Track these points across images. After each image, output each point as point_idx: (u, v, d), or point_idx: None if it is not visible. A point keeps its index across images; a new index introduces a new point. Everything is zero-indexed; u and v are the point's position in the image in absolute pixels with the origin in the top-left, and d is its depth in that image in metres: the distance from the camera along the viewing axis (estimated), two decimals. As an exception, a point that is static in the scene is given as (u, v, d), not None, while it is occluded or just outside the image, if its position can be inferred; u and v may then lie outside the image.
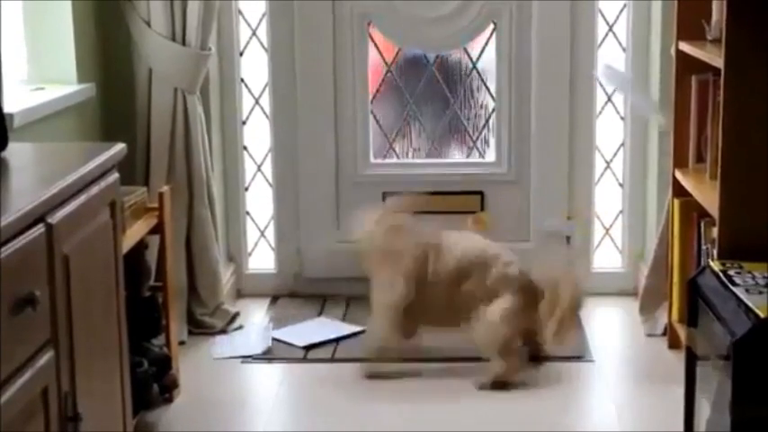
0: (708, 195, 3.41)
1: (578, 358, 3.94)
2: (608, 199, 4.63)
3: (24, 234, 2.05)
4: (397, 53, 4.58)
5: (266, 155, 4.63)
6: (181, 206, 4.06)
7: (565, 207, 4.55)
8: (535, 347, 3.87)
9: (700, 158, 3.77)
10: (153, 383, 3.38)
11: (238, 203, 4.63)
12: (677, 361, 3.54)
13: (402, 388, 3.73)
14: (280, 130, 4.58)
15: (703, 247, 3.63)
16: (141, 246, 3.41)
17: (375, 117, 4.60)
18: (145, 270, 3.47)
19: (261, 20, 4.53)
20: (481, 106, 4.59)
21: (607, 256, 4.66)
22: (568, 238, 4.53)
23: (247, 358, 3.99)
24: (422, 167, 4.63)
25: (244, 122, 4.60)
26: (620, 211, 4.63)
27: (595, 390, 3.76)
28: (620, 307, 4.45)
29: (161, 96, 4.04)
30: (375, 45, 4.54)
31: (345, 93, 4.53)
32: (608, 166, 4.61)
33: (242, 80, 4.57)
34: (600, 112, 4.56)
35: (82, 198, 2.37)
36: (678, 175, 3.84)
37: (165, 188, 3.59)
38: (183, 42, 4.01)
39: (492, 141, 4.60)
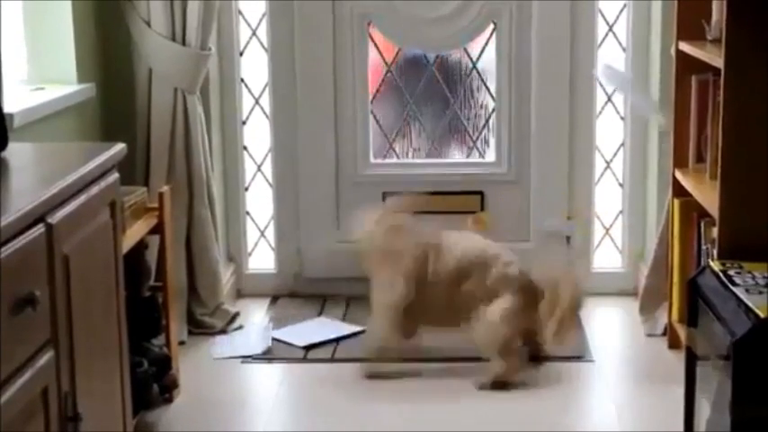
0: (708, 195, 3.41)
1: (578, 358, 3.94)
2: (608, 199, 4.63)
3: (24, 234, 2.05)
4: (397, 53, 4.58)
5: (266, 155, 4.64)
6: (181, 206, 4.06)
7: (565, 207, 4.55)
8: (535, 347, 3.87)
9: (700, 158, 3.77)
10: (153, 383, 3.38)
11: (238, 203, 4.63)
12: (677, 361, 3.54)
13: (402, 388, 3.73)
14: (280, 130, 4.58)
15: (703, 247, 3.63)
16: (141, 246, 3.41)
17: (375, 117, 4.60)
18: (145, 270, 3.47)
19: (261, 20, 4.53)
20: (481, 106, 4.59)
21: (607, 256, 4.66)
22: (568, 238, 4.53)
23: (247, 358, 3.99)
24: (422, 167, 4.63)
25: (244, 122, 4.61)
26: (620, 211, 4.63)
27: (595, 390, 3.76)
28: (620, 307, 4.45)
29: (161, 96, 4.04)
30: (375, 45, 4.54)
31: (345, 93, 4.53)
32: (608, 166, 4.61)
33: (242, 80, 4.57)
34: (600, 112, 4.56)
35: (82, 198, 2.37)
36: (678, 174, 3.84)
37: (165, 188, 3.59)
38: (183, 42, 4.01)
39: (492, 141, 4.60)
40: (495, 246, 3.87)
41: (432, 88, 4.59)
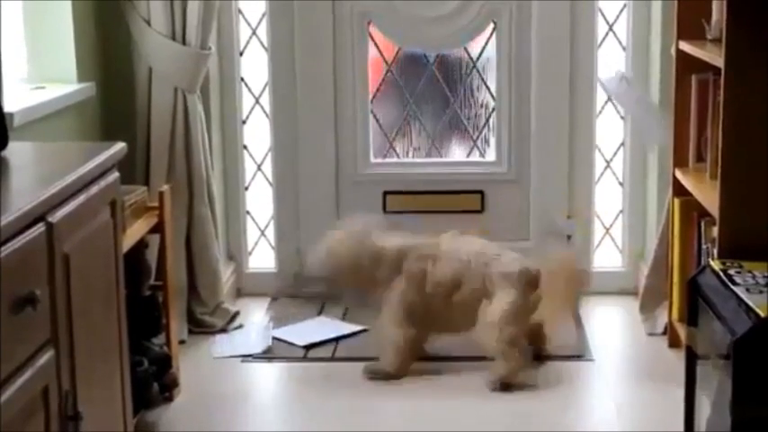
0: (708, 195, 3.41)
1: (578, 357, 3.94)
2: (608, 198, 4.63)
3: (24, 233, 2.05)
4: (397, 52, 4.58)
5: (266, 154, 4.64)
6: (181, 205, 4.06)
7: (565, 206, 4.55)
8: (538, 347, 3.87)
9: (700, 158, 3.77)
10: (153, 382, 3.38)
11: (238, 203, 4.63)
12: (677, 360, 3.54)
13: (403, 387, 3.73)
14: (280, 129, 4.58)
15: (703, 247, 3.63)
16: (141, 245, 3.41)
17: (375, 116, 4.60)
18: (145, 269, 3.47)
19: (261, 19, 4.53)
20: (481, 105, 4.59)
21: (607, 256, 4.66)
22: (569, 238, 4.53)
23: (247, 357, 3.99)
24: (422, 167, 4.63)
25: (244, 122, 4.60)
26: (621, 211, 4.63)
27: (596, 389, 3.76)
28: (621, 306, 4.45)
29: (161, 95, 4.04)
30: (375, 44, 4.54)
31: (345, 92, 4.53)
32: (608, 166, 4.61)
33: (242, 79, 4.57)
34: (600, 112, 4.56)
35: (82, 197, 2.37)
36: (678, 174, 3.84)
37: (165, 187, 3.59)
38: (184, 42, 4.01)
39: (492, 141, 4.60)
40: (494, 246, 3.87)
41: (432, 87, 4.59)
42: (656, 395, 3.61)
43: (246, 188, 4.66)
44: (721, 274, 2.88)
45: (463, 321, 3.75)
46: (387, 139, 4.63)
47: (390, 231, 3.90)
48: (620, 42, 4.50)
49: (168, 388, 3.53)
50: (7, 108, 2.98)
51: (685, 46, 3.72)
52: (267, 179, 4.65)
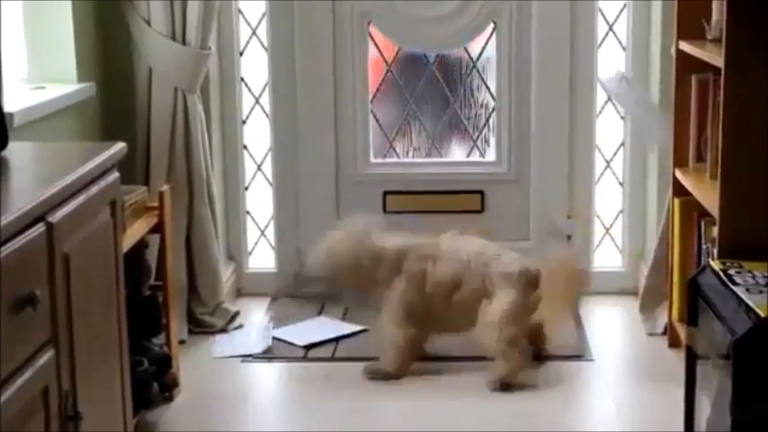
0: (708, 195, 3.41)
1: (578, 357, 3.94)
2: (608, 198, 4.63)
3: (24, 233, 2.05)
4: (397, 52, 4.58)
5: (266, 154, 4.64)
6: (181, 205, 4.06)
7: (565, 206, 4.55)
8: (538, 347, 3.87)
9: (700, 158, 3.77)
10: (153, 382, 3.38)
11: (238, 203, 4.63)
12: (677, 360, 3.54)
13: (403, 387, 3.73)
14: (280, 129, 4.58)
15: (703, 247, 3.63)
16: (141, 245, 3.41)
17: (375, 116, 4.60)
18: (145, 269, 3.47)
19: (261, 19, 4.53)
20: (481, 105, 4.59)
21: (607, 256, 4.66)
22: (569, 238, 4.53)
23: (247, 357, 3.99)
24: (422, 167, 4.63)
25: (244, 122, 4.61)
26: (621, 211, 4.63)
27: (596, 389, 3.76)
28: (621, 306, 4.45)
29: (161, 95, 4.04)
30: (375, 44, 4.54)
31: (345, 92, 4.53)
32: (608, 166, 4.61)
33: (242, 79, 4.57)
34: (600, 112, 4.56)
35: (82, 197, 2.37)
36: (678, 174, 3.84)
37: (165, 187, 3.59)
38: (183, 42, 4.01)
39: (492, 141, 4.60)
40: (494, 246, 3.87)
41: (432, 87, 4.59)
42: (656, 395, 3.61)
43: (246, 188, 4.66)
44: (721, 274, 2.88)
45: (463, 321, 3.75)
46: (387, 139, 4.63)
47: (390, 231, 3.90)
48: (620, 42, 4.50)
49: (168, 388, 3.53)
50: (7, 108, 2.98)
51: (685, 46, 3.72)
52: (267, 179, 4.65)
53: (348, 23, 4.48)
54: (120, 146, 2.68)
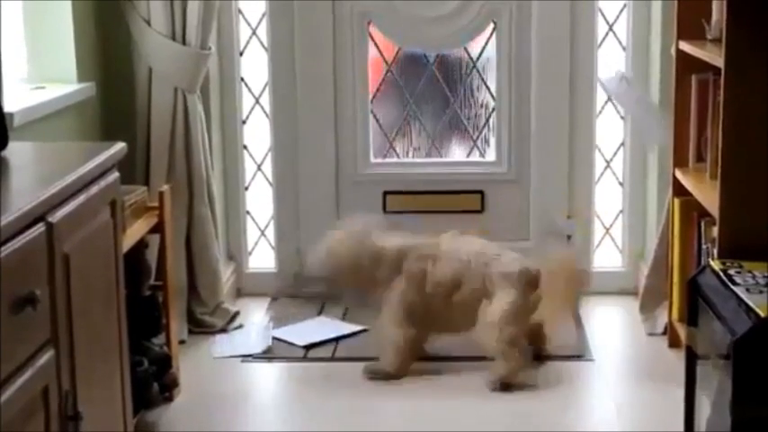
0: (708, 195, 3.41)
1: (578, 357, 3.94)
2: (608, 198, 4.63)
3: (24, 233, 2.05)
4: (397, 52, 4.58)
5: (266, 154, 4.64)
6: (181, 205, 4.06)
7: (565, 206, 4.55)
8: (538, 347, 3.87)
9: (700, 158, 3.77)
10: (153, 382, 3.38)
11: (238, 202, 4.63)
12: (677, 360, 3.54)
13: (403, 387, 3.73)
14: (280, 129, 4.58)
15: (703, 247, 3.63)
16: (141, 245, 3.41)
17: (375, 116, 4.60)
18: (145, 269, 3.47)
19: (261, 19, 4.53)
20: (481, 105, 4.59)
21: (607, 256, 4.66)
22: (569, 238, 4.53)
23: (247, 357, 3.99)
24: (422, 167, 4.63)
25: (244, 122, 4.61)
26: (621, 211, 4.63)
27: (596, 389, 3.76)
28: (621, 306, 4.45)
29: (161, 95, 4.04)
30: (375, 44, 4.54)
31: (345, 92, 4.53)
32: (608, 166, 4.61)
33: (242, 79, 4.57)
34: (600, 112, 4.56)
35: (82, 197, 2.37)
36: (678, 174, 3.84)
37: (166, 187, 3.59)
38: (184, 42, 4.01)
39: (492, 141, 4.60)
40: (494, 246, 3.87)
41: (432, 87, 4.59)
42: (656, 395, 3.61)
43: (246, 188, 4.66)
44: (721, 274, 2.88)
45: (463, 321, 3.75)
46: (387, 139, 4.63)
47: (390, 231, 3.90)
48: (620, 42, 4.50)
49: (168, 388, 3.53)
50: (7, 108, 2.97)
51: (685, 46, 3.72)
52: (267, 179, 4.65)
53: (348, 23, 4.48)
54: (120, 146, 2.68)
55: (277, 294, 4.58)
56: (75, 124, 3.79)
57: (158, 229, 3.50)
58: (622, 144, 4.57)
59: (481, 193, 4.59)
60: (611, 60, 4.48)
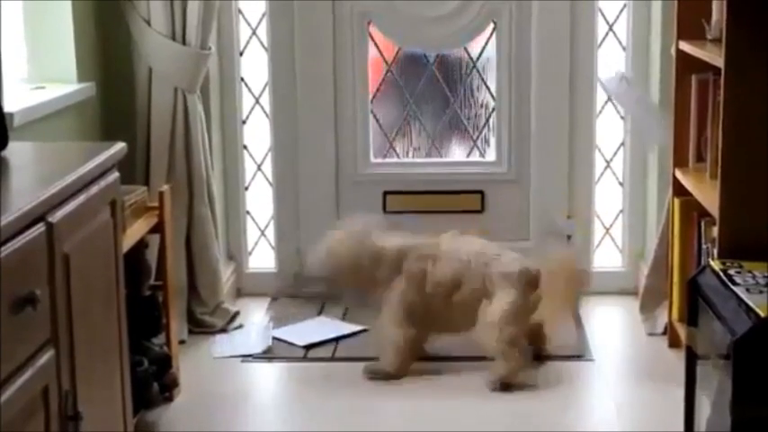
0: (708, 195, 3.41)
1: (578, 357, 3.94)
2: (608, 198, 4.63)
3: (24, 233, 2.05)
4: (398, 52, 4.58)
5: (266, 154, 4.64)
6: (181, 205, 4.06)
7: (565, 206, 4.55)
8: (538, 347, 3.87)
9: (700, 158, 3.77)
10: (153, 382, 3.38)
11: (238, 202, 4.63)
12: (677, 360, 3.54)
13: (403, 387, 3.73)
14: (280, 129, 4.58)
15: (703, 247, 3.63)
16: (141, 245, 3.41)
17: (375, 116, 4.60)
18: (145, 269, 3.47)
19: (261, 19, 4.53)
20: (481, 105, 4.59)
21: (607, 256, 4.66)
22: (569, 238, 4.53)
23: (247, 357, 3.99)
24: (422, 167, 4.63)
25: (244, 122, 4.61)
26: (621, 211, 4.63)
27: (596, 389, 3.76)
28: (621, 306, 4.45)
29: (161, 95, 4.04)
30: (375, 44, 4.54)
31: (345, 92, 4.53)
32: (608, 166, 4.61)
33: (242, 79, 4.57)
34: (600, 112, 4.56)
35: (82, 197, 2.37)
36: (678, 174, 3.84)
37: (166, 187, 3.59)
38: (184, 42, 4.01)
39: (492, 141, 4.60)
40: (494, 246, 3.87)
41: (432, 87, 4.59)
42: (656, 395, 3.61)
43: (246, 188, 4.66)
44: (721, 274, 2.88)
45: (463, 321, 3.75)
46: (387, 139, 4.63)
47: (390, 231, 3.90)
48: (620, 42, 4.50)
49: (168, 388, 3.53)
50: (7, 108, 2.98)
51: (685, 46, 3.72)
52: (267, 179, 4.65)
53: (348, 23, 4.48)
54: (120, 146, 2.68)
55: (277, 294, 4.59)
56: (75, 124, 3.79)
57: (158, 229, 3.50)
58: (622, 144, 4.57)
59: (481, 193, 4.59)
60: (611, 60, 4.47)
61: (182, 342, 3.97)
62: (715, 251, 3.17)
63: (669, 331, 3.98)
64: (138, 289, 3.40)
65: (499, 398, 3.63)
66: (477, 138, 4.61)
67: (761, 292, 2.70)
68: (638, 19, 4.42)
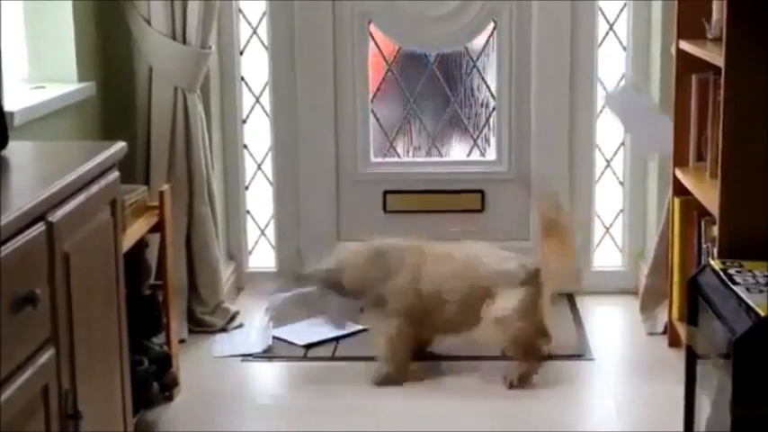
0: (708, 194, 3.41)
1: (579, 356, 3.94)
2: (608, 198, 4.63)
3: (25, 232, 2.05)
4: (398, 51, 4.58)
5: (266, 153, 4.64)
6: (181, 204, 4.06)
7: (565, 206, 4.54)
8: (539, 346, 3.86)
9: (700, 157, 3.77)
10: (153, 382, 3.38)
11: (239, 202, 4.63)
12: (677, 359, 3.54)
13: (403, 387, 3.72)
14: (280, 128, 4.58)
15: (704, 246, 3.63)
16: (142, 244, 3.41)
17: (375, 115, 4.60)
18: (145, 268, 3.47)
19: (261, 18, 4.53)
20: (481, 105, 4.59)
21: (607, 255, 4.66)
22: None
23: (247, 357, 3.99)
24: (422, 166, 4.63)
25: (244, 121, 4.61)
26: (621, 210, 4.63)
27: (596, 388, 3.76)
28: (621, 305, 4.45)
29: (161, 95, 4.04)
30: (375, 43, 4.55)
31: (346, 91, 4.53)
32: (608, 165, 4.61)
33: (242, 79, 4.57)
34: (600, 112, 4.56)
35: (82, 196, 2.37)
36: (678, 173, 3.84)
37: (166, 186, 3.59)
38: (184, 41, 4.01)
39: (492, 140, 4.60)
40: (493, 246, 3.87)
41: (432, 87, 4.59)
42: (656, 394, 3.61)
43: (247, 187, 4.66)
44: (721, 273, 2.88)
45: (464, 322, 3.74)
46: (387, 139, 4.63)
47: (390, 233, 3.90)
48: (620, 42, 4.50)
49: (168, 387, 3.53)
50: (7, 107, 2.98)
51: (685, 45, 3.72)
52: (267, 178, 4.65)
53: (348, 23, 4.48)
54: (120, 145, 2.68)
55: (276, 292, 4.57)
56: (75, 124, 3.79)
57: (158, 228, 3.50)
58: (622, 144, 4.57)
59: (481, 192, 4.59)
60: (612, 63, 4.47)
61: (182, 341, 3.97)
62: (715, 250, 3.17)
63: (669, 331, 3.98)
64: (139, 288, 3.40)
65: (499, 398, 3.63)
66: (478, 137, 4.61)
67: (761, 291, 2.70)
68: (639, 19, 4.42)
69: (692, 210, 3.73)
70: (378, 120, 4.61)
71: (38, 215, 2.12)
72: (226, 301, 4.31)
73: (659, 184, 4.31)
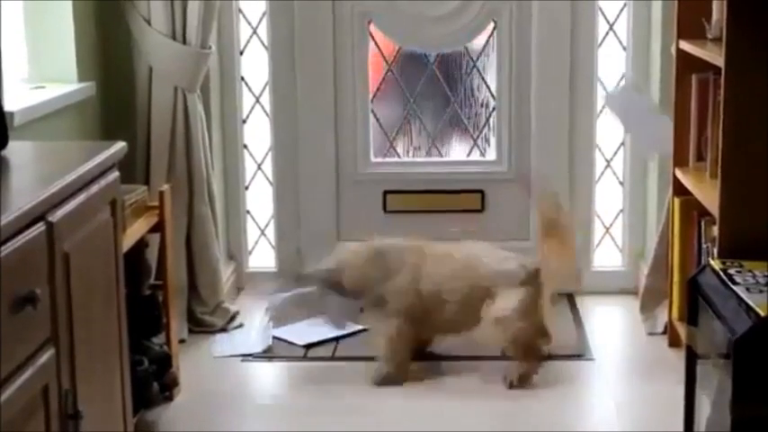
0: (708, 194, 3.41)
1: (578, 357, 3.94)
2: (608, 198, 4.63)
3: (25, 232, 2.05)
4: (398, 51, 4.58)
5: (266, 153, 4.64)
6: (181, 204, 4.06)
7: (565, 206, 4.54)
8: (539, 346, 3.86)
9: (700, 157, 3.77)
10: (153, 382, 3.38)
11: (239, 202, 4.63)
12: (677, 359, 3.54)
13: (403, 387, 3.72)
14: (280, 128, 4.58)
15: (704, 246, 3.63)
16: (142, 244, 3.41)
17: (375, 115, 4.60)
18: (145, 268, 3.47)
19: (261, 18, 4.53)
20: (481, 105, 4.59)
21: (607, 255, 4.66)
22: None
23: (247, 357, 3.99)
24: (422, 166, 4.63)
25: (244, 121, 4.61)
26: (621, 210, 4.63)
27: (596, 388, 3.76)
28: (621, 305, 4.45)
29: (161, 95, 4.04)
30: (375, 43, 4.55)
31: (346, 91, 4.53)
32: (608, 165, 4.61)
33: (242, 78, 4.57)
34: (600, 111, 4.56)
35: (82, 196, 2.37)
36: (678, 173, 3.84)
37: (166, 186, 3.59)
38: (184, 41, 4.01)
39: (492, 140, 4.60)
40: (493, 246, 3.87)
41: (432, 87, 4.59)
42: (656, 394, 3.61)
43: (247, 187, 4.66)
44: (721, 273, 2.88)
45: (464, 322, 3.74)
46: (387, 139, 4.63)
47: (390, 233, 3.90)
48: (620, 42, 4.50)
49: (168, 387, 3.53)
50: (7, 107, 2.98)
51: (685, 45, 3.72)
52: (267, 178, 4.65)
53: (348, 23, 4.48)
54: (120, 145, 2.68)
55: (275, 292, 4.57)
56: (75, 124, 3.79)
57: (158, 228, 3.50)
58: (622, 144, 4.57)
59: (481, 192, 4.59)
60: (612, 63, 4.47)
61: (182, 341, 3.97)
62: (715, 250, 3.17)
63: (669, 331, 3.98)
64: (139, 288, 3.40)
65: (499, 398, 3.63)
66: (478, 137, 4.61)
67: (761, 291, 2.70)
68: (639, 18, 4.42)
69: (692, 210, 3.73)
70: (378, 120, 4.61)
71: (38, 215, 2.12)
72: (226, 301, 4.31)
73: (659, 184, 4.31)
